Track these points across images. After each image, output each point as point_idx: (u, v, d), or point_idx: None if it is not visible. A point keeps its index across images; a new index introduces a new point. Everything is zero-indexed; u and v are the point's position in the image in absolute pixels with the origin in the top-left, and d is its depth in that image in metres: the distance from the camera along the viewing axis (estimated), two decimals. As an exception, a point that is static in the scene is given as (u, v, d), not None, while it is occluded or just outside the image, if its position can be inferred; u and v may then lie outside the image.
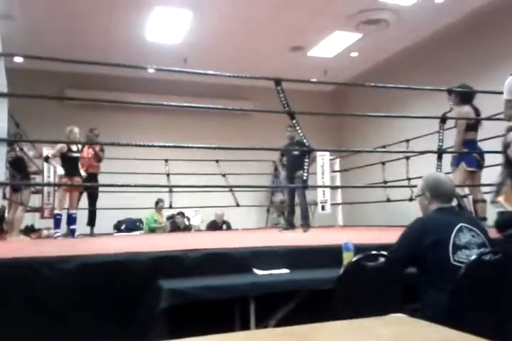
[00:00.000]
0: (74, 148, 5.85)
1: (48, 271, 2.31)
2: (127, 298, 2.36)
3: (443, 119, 4.53)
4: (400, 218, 6.68)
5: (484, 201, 4.58)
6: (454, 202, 2.35)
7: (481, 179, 4.72)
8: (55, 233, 5.76)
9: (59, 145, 5.79)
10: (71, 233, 5.89)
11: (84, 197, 6.57)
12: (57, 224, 5.78)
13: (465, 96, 4.71)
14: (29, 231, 6.96)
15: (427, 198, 2.29)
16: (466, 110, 4.62)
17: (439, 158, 4.40)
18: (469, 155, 4.61)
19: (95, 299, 2.34)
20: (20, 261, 2.36)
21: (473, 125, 4.67)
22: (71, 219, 5.91)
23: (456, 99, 4.71)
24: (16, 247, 3.86)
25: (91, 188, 6.37)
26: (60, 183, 5.93)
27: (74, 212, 5.93)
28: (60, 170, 5.79)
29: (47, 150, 6.56)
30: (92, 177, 6.45)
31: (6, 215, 6.47)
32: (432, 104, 6.44)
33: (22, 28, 7.51)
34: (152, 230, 8.17)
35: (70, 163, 5.80)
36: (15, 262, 2.34)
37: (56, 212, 5.83)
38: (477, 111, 4.70)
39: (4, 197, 5.68)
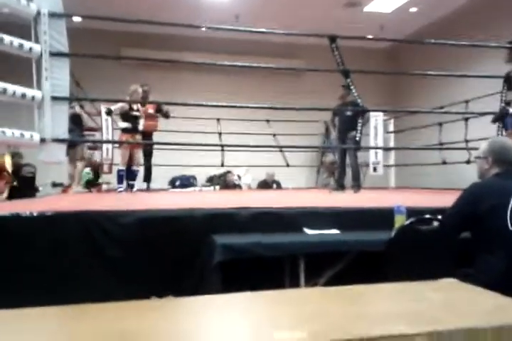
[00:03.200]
0: (134, 106, 5.99)
1: (110, 224, 2.45)
2: (183, 252, 2.47)
3: (507, 79, 4.29)
4: (456, 181, 6.51)
5: None
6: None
7: None
8: (119, 187, 6.04)
9: (120, 104, 5.94)
10: (130, 187, 6.12)
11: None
12: (120, 180, 6.04)
13: None
14: (90, 185, 7.30)
15: (489, 162, 2.21)
16: None
17: (502, 120, 4.21)
18: None
19: (153, 252, 2.47)
20: (84, 214, 2.51)
21: None
22: (133, 175, 6.13)
23: (510, 56, 4.44)
24: (80, 201, 4.08)
25: (146, 145, 6.57)
26: (121, 140, 6.13)
27: (136, 168, 6.14)
28: (123, 124, 5.93)
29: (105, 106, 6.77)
30: (148, 135, 6.61)
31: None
32: (494, 63, 6.06)
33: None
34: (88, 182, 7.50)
35: (130, 120, 5.95)
36: (78, 215, 2.49)
37: (119, 168, 6.07)
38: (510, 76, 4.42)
39: (67, 153, 5.96)
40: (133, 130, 5.98)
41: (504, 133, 4.44)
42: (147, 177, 6.77)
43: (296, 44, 9.80)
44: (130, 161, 6.09)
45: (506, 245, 1.88)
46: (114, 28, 8.78)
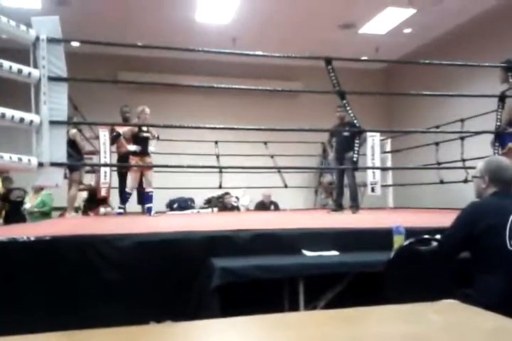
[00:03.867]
0: (144, 128, 5.91)
1: (107, 248, 2.44)
2: (181, 276, 2.45)
3: (502, 98, 4.34)
4: (454, 200, 6.51)
5: None
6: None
7: None
8: (119, 208, 5.95)
9: (128, 127, 5.93)
10: (148, 211, 6.00)
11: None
12: (123, 201, 5.97)
13: None
14: (87, 208, 7.27)
15: (485, 182, 2.22)
16: None
17: (497, 139, 4.24)
18: None
19: (151, 276, 2.44)
20: (80, 238, 2.50)
21: None
22: (147, 198, 5.99)
23: (504, 75, 4.52)
24: (77, 225, 4.06)
25: (120, 168, 6.57)
26: (130, 164, 6.10)
27: (150, 190, 5.99)
28: (132, 147, 5.85)
29: (103, 131, 6.79)
30: (122, 157, 6.48)
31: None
32: (488, 82, 6.15)
33: (77, 13, 7.71)
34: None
35: (140, 143, 5.88)
36: (75, 239, 2.47)
37: (127, 190, 5.98)
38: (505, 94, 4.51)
39: (65, 176, 5.94)
40: (142, 152, 5.88)
41: (500, 151, 4.47)
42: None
43: (293, 66, 9.94)
44: (141, 184, 6.01)
45: (505, 265, 1.87)
46: (111, 52, 8.89)
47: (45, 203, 7.07)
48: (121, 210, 5.98)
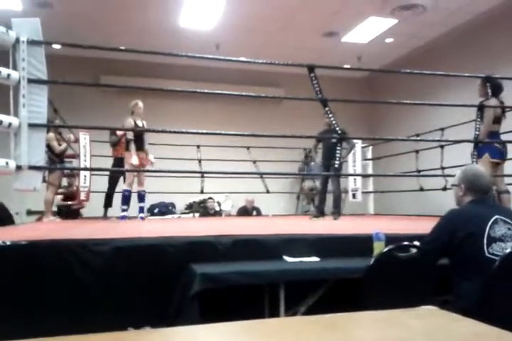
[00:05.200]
0: (139, 123, 5.74)
1: (85, 253, 2.40)
2: (161, 282, 2.42)
3: (480, 108, 4.44)
4: (433, 208, 6.59)
5: (508, 192, 4.56)
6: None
7: (503, 170, 4.70)
8: (123, 211, 5.67)
9: (126, 124, 5.69)
10: (140, 211, 5.88)
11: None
12: (124, 202, 5.71)
13: (495, 89, 4.66)
14: (64, 213, 7.17)
15: (462, 190, 2.27)
16: (494, 103, 4.61)
17: (476, 148, 4.32)
18: (492, 146, 4.61)
19: (130, 282, 2.41)
20: (58, 243, 2.46)
21: (498, 117, 4.67)
22: (140, 197, 5.84)
23: (485, 89, 4.65)
24: (54, 229, 4.00)
25: (113, 172, 6.47)
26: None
27: (143, 189, 5.83)
28: (135, 161, 5.47)
29: (83, 134, 6.72)
30: (118, 160, 6.37)
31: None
32: (468, 92, 6.27)
33: (59, 15, 7.64)
34: None
35: (137, 136, 5.65)
36: (53, 244, 2.43)
37: (125, 188, 5.78)
38: (502, 104, 4.67)
39: (44, 180, 5.84)
40: (139, 147, 5.65)
41: (477, 161, 4.56)
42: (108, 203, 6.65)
43: (276, 73, 9.99)
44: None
45: (483, 272, 1.90)
46: (93, 55, 8.83)
47: None
48: (125, 213, 5.70)
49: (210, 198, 8.58)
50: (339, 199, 6.14)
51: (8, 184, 3.03)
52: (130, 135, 5.65)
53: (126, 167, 5.68)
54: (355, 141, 7.56)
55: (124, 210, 5.71)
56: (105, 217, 6.64)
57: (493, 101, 4.58)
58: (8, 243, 2.30)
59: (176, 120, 9.23)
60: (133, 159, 5.49)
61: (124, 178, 6.23)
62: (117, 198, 6.15)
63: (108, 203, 6.71)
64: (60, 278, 2.33)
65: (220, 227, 4.32)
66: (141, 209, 5.93)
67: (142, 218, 5.90)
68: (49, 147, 5.75)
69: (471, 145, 4.43)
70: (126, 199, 5.75)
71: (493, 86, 4.64)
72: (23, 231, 3.74)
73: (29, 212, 8.39)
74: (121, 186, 6.37)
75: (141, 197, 5.87)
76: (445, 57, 8.54)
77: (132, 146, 5.59)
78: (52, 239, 2.55)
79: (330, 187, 6.13)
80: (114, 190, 6.67)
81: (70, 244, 2.44)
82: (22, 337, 0.86)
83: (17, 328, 2.12)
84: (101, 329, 0.93)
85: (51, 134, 5.87)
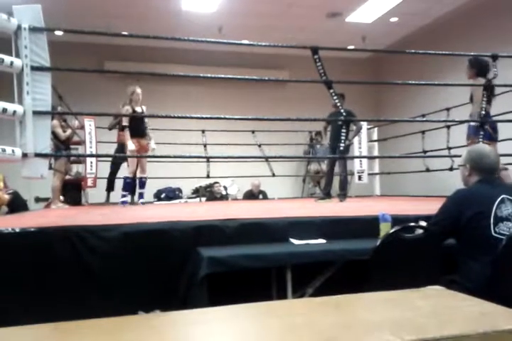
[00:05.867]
0: (138, 108, 5.70)
1: (94, 238, 2.42)
2: (169, 266, 2.45)
3: (486, 87, 4.38)
4: (440, 188, 6.58)
5: (506, 169, 4.51)
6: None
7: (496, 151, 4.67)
8: (123, 196, 5.67)
9: (123, 110, 5.67)
10: (140, 197, 5.95)
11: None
12: (125, 189, 5.70)
13: (482, 69, 4.58)
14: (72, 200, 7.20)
15: (468, 170, 2.25)
16: (482, 83, 4.52)
17: (481, 127, 4.28)
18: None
19: (139, 266, 2.44)
20: (67, 229, 2.48)
21: (488, 98, 4.57)
22: (140, 183, 5.90)
23: (471, 71, 4.60)
24: (62, 215, 4.03)
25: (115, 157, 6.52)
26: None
27: (144, 175, 5.86)
28: (132, 146, 5.46)
29: (88, 121, 6.72)
30: (121, 146, 6.31)
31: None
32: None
33: (60, 1, 7.56)
34: None
35: (135, 123, 5.61)
36: (62, 230, 2.45)
37: (126, 175, 5.76)
38: (490, 83, 4.58)
39: (50, 167, 5.87)
40: (137, 133, 5.61)
41: (485, 140, 4.52)
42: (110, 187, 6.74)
43: (280, 55, 9.89)
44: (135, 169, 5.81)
45: (490, 251, 1.90)
46: (97, 41, 8.77)
47: None
48: (126, 198, 5.71)
49: (217, 182, 8.60)
50: (345, 181, 6.13)
51: (16, 172, 3.05)
52: (125, 121, 5.60)
53: (128, 154, 5.69)
54: (361, 122, 7.51)
55: (123, 196, 5.74)
56: (107, 201, 6.70)
57: (481, 81, 4.51)
58: (17, 230, 2.33)
59: (180, 105, 9.21)
60: (129, 144, 5.49)
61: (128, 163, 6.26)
62: (119, 183, 6.18)
63: (110, 186, 6.80)
64: (69, 264, 2.36)
65: (227, 211, 4.34)
66: (141, 195, 5.99)
67: (143, 203, 5.96)
68: (54, 134, 5.74)
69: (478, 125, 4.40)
70: (127, 186, 5.76)
71: (477, 67, 4.58)
72: (31, 218, 3.77)
73: (37, 199, 8.47)
74: (124, 171, 6.38)
75: (142, 184, 5.93)
76: (452, 36, 8.40)
77: (127, 132, 5.56)
78: (61, 225, 2.57)
79: (337, 169, 6.11)
80: (115, 175, 6.74)
81: (78, 230, 2.46)
82: (33, 322, 0.87)
83: (28, 313, 2.16)
84: (112, 313, 0.95)
85: (55, 121, 5.86)
